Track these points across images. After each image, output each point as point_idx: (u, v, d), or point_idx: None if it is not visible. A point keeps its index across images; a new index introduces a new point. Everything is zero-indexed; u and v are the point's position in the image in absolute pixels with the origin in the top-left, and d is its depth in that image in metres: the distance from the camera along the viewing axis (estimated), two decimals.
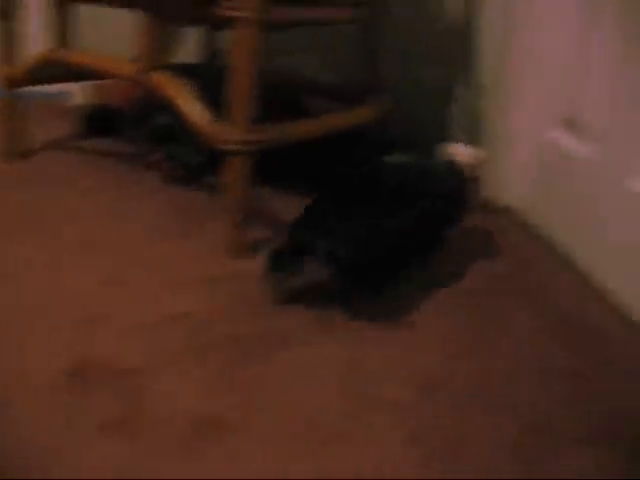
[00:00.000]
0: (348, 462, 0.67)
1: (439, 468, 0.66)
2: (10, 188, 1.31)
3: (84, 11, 1.38)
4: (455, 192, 1.03)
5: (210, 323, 0.89)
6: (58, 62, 1.32)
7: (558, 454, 0.69)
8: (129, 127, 1.58)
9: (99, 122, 1.67)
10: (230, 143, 1.02)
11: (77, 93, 1.90)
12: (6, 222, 1.16)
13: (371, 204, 0.93)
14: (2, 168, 1.41)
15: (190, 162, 1.39)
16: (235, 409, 0.73)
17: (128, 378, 0.77)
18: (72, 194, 1.29)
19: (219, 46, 1.70)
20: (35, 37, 1.73)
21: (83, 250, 1.07)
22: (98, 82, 1.74)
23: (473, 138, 1.49)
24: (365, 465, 0.66)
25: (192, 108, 1.09)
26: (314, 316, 0.91)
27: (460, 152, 1.33)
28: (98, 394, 0.74)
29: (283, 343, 0.86)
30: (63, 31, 1.35)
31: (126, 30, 1.29)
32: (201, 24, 1.56)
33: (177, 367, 0.80)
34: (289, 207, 1.27)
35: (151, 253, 1.08)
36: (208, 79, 1.13)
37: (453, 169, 1.06)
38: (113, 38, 1.65)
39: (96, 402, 0.72)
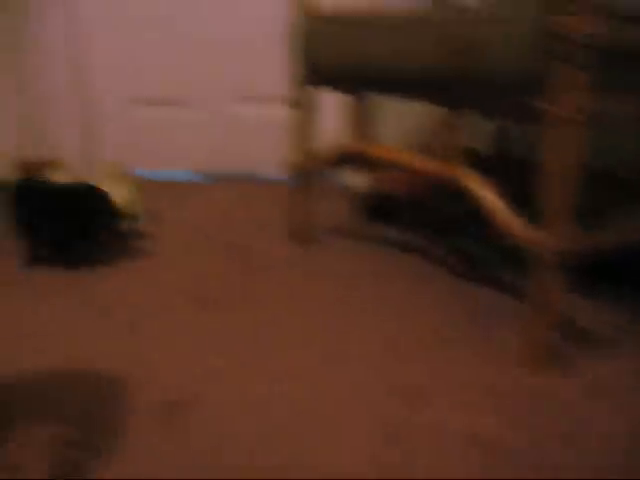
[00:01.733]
0: None
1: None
2: (304, 277, 1.34)
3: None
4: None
5: (508, 446, 0.79)
6: (355, 154, 1.35)
7: None
8: (411, 216, 1.56)
9: (382, 210, 1.68)
10: (546, 252, 0.93)
11: (359, 180, 1.95)
12: (299, 308, 1.18)
13: None
14: (292, 253, 1.46)
15: (477, 256, 1.32)
16: None
17: None
18: (359, 285, 1.28)
19: (506, 135, 1.63)
20: (327, 127, 1.81)
21: (366, 352, 1.04)
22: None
23: None
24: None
25: (499, 208, 1.02)
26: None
27: None
28: None
29: None
30: (358, 123, 1.38)
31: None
32: (510, 118, 1.50)
33: None
34: (599, 315, 1.14)
35: (435, 356, 1.01)
36: (500, 171, 1.06)
37: None
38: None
39: None
